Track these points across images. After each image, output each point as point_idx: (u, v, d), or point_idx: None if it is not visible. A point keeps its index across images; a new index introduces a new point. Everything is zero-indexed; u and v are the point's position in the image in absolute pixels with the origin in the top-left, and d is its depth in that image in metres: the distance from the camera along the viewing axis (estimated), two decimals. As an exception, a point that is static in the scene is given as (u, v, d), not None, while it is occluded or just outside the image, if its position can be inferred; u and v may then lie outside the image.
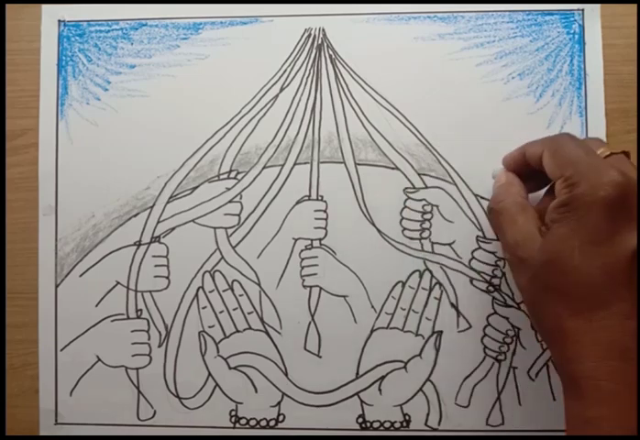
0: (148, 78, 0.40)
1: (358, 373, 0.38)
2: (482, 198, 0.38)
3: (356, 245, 0.39)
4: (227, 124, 0.39)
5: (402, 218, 0.39)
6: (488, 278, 0.38)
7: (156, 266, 0.39)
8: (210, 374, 0.39)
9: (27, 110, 0.40)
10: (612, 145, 0.38)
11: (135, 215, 0.39)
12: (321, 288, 0.39)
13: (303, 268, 0.39)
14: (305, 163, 0.39)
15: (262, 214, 0.39)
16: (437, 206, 0.38)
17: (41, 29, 0.40)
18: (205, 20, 0.39)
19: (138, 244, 0.39)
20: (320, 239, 0.39)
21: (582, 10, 0.38)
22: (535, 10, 0.39)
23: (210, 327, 0.39)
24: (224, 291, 0.39)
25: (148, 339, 0.39)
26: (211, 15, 0.39)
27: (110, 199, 0.39)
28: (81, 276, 0.39)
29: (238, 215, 0.39)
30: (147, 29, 0.40)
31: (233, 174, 0.39)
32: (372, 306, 0.38)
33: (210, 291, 0.39)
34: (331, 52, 0.39)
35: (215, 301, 0.39)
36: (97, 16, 0.40)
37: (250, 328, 0.39)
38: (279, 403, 0.38)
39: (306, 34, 0.39)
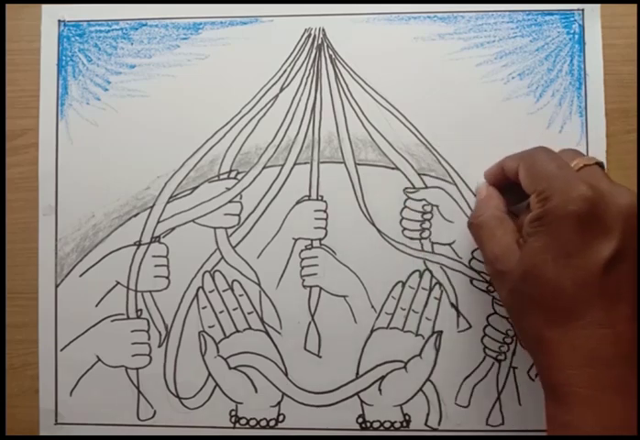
0: (148, 78, 0.40)
1: (358, 373, 0.38)
2: (482, 198, 0.38)
3: (356, 245, 0.39)
4: (227, 124, 0.39)
5: (402, 218, 0.39)
6: (488, 278, 0.38)
7: (156, 266, 0.39)
8: (210, 374, 0.39)
9: (27, 110, 0.40)
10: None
11: (135, 215, 0.39)
12: (321, 288, 0.39)
13: (303, 268, 0.39)
14: (305, 163, 0.39)
15: (262, 214, 0.39)
16: (437, 206, 0.38)
17: (41, 29, 0.40)
18: (205, 20, 0.39)
19: (138, 244, 0.39)
20: (320, 239, 0.39)
21: (582, 10, 0.38)
22: (535, 10, 0.39)
23: (210, 327, 0.39)
24: (224, 291, 0.39)
25: (149, 339, 0.39)
26: (211, 15, 0.39)
27: (110, 199, 0.39)
28: (81, 276, 0.39)
29: (238, 215, 0.39)
30: (147, 29, 0.40)
31: (233, 174, 0.39)
32: (372, 306, 0.38)
33: (210, 291, 0.39)
34: (331, 52, 0.39)
35: (215, 301, 0.39)
36: (97, 16, 0.40)
37: (250, 328, 0.39)
38: (279, 403, 0.38)
39: (306, 34, 0.39)
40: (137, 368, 0.39)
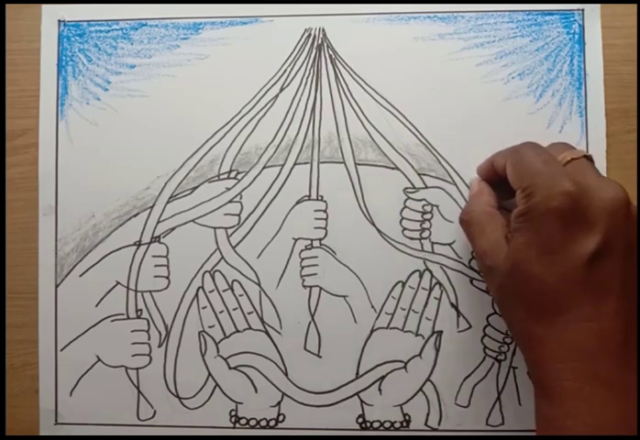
0: (148, 78, 0.40)
1: (358, 373, 0.38)
2: (482, 198, 0.38)
3: (356, 245, 0.39)
4: (227, 124, 0.39)
5: (402, 218, 0.39)
6: (488, 278, 0.38)
7: (156, 266, 0.39)
8: (210, 374, 0.39)
9: (27, 110, 0.40)
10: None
11: (135, 215, 0.39)
12: (321, 288, 0.39)
13: (303, 268, 0.39)
14: (305, 163, 0.39)
15: (262, 214, 0.39)
16: (437, 206, 0.38)
17: (41, 29, 0.40)
18: (205, 20, 0.39)
19: (138, 244, 0.39)
20: (320, 239, 0.39)
21: (582, 10, 0.38)
22: (535, 10, 0.39)
23: (210, 327, 0.39)
24: (224, 291, 0.39)
25: (149, 339, 0.39)
26: (211, 15, 0.39)
27: (110, 199, 0.39)
28: (81, 276, 0.39)
29: (238, 215, 0.39)
30: (147, 29, 0.40)
31: (233, 174, 0.39)
32: (372, 306, 0.38)
33: (210, 291, 0.39)
34: (331, 52, 0.39)
35: (215, 301, 0.39)
36: (97, 16, 0.40)
37: (250, 328, 0.39)
38: (279, 403, 0.38)
39: (306, 34, 0.39)
40: (137, 368, 0.39)
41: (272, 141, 0.39)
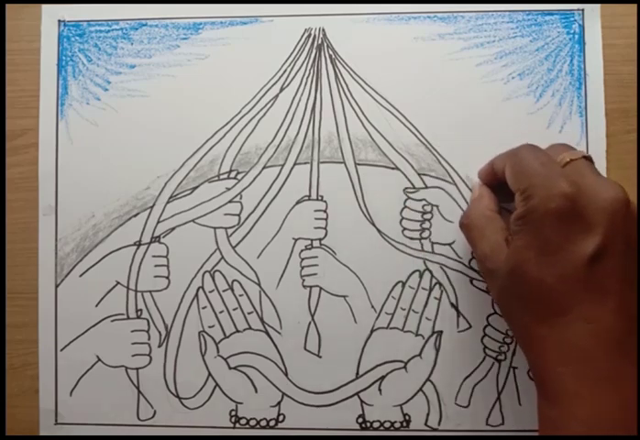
0: (148, 78, 0.40)
1: (358, 373, 0.38)
2: (482, 198, 0.38)
3: (356, 245, 0.39)
4: (227, 124, 0.39)
5: (402, 218, 0.39)
6: (488, 278, 0.38)
7: (156, 266, 0.39)
8: (210, 374, 0.39)
9: (27, 110, 0.40)
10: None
11: (135, 215, 0.39)
12: (321, 288, 0.39)
13: (303, 268, 0.39)
14: (305, 163, 0.39)
15: (262, 214, 0.39)
16: (437, 206, 0.38)
17: (41, 29, 0.40)
18: (205, 20, 0.39)
19: (138, 244, 0.39)
20: (320, 239, 0.39)
21: (582, 10, 0.38)
22: (535, 10, 0.39)
23: (210, 327, 0.39)
24: (224, 291, 0.39)
25: (149, 339, 0.39)
26: (211, 15, 0.39)
27: (110, 199, 0.39)
28: (81, 276, 0.39)
29: (238, 215, 0.39)
30: (147, 29, 0.40)
31: (233, 174, 0.39)
32: (372, 306, 0.38)
33: (210, 291, 0.39)
34: (331, 52, 0.39)
35: (215, 301, 0.39)
36: (97, 16, 0.40)
37: (250, 328, 0.39)
38: (279, 403, 0.38)
39: (306, 34, 0.39)
40: (137, 368, 0.39)
41: (272, 141, 0.39)
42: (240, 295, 0.39)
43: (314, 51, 0.39)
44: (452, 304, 0.38)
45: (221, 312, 0.39)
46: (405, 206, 0.39)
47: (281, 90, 0.39)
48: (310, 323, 0.39)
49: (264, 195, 0.39)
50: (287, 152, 0.39)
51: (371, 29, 0.39)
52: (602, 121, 0.38)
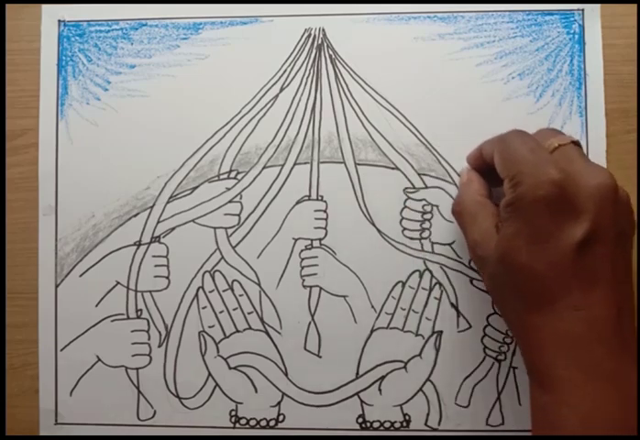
0: (148, 78, 0.40)
1: (358, 373, 0.38)
2: (482, 198, 0.38)
3: (356, 245, 0.39)
4: (227, 124, 0.39)
5: (402, 218, 0.39)
6: (488, 278, 0.38)
7: (156, 266, 0.39)
8: (210, 374, 0.39)
9: (27, 110, 0.40)
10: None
11: (135, 215, 0.39)
12: (321, 288, 0.39)
13: (303, 268, 0.39)
14: (305, 163, 0.39)
15: (262, 214, 0.39)
16: (437, 206, 0.38)
17: (41, 29, 0.40)
18: (205, 20, 0.39)
19: (138, 244, 0.39)
20: (320, 239, 0.39)
21: (582, 10, 0.38)
22: (535, 10, 0.39)
23: (210, 327, 0.39)
24: (224, 291, 0.39)
25: (149, 339, 0.39)
26: (211, 15, 0.39)
27: (110, 199, 0.39)
28: (81, 276, 0.39)
29: (238, 215, 0.39)
30: (147, 29, 0.40)
31: (233, 174, 0.39)
32: (372, 306, 0.38)
33: (210, 291, 0.39)
34: (331, 52, 0.39)
35: (215, 301, 0.39)
36: (97, 16, 0.40)
37: (250, 328, 0.39)
38: (279, 403, 0.38)
39: (306, 34, 0.39)
40: (137, 368, 0.39)
41: (272, 141, 0.39)
42: (240, 295, 0.39)
43: (314, 51, 0.39)
44: (452, 304, 0.38)
45: (221, 312, 0.39)
46: (405, 206, 0.39)
47: (281, 90, 0.39)
48: (310, 323, 0.39)
49: (264, 195, 0.39)
50: (287, 152, 0.39)
51: (371, 29, 0.39)
52: (602, 121, 0.38)
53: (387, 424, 0.38)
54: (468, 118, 0.38)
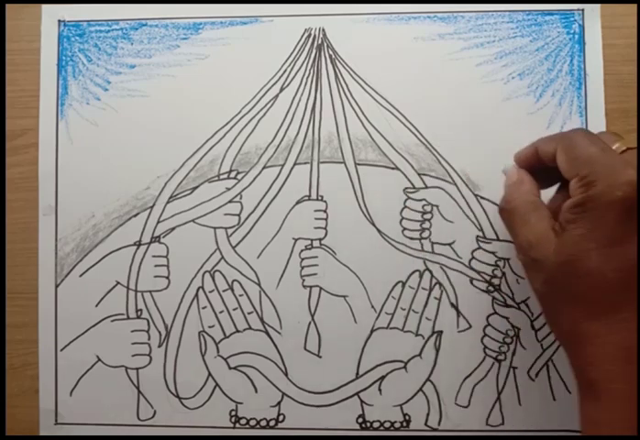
0: (148, 78, 0.40)
1: (358, 373, 0.38)
2: (482, 198, 0.38)
3: (356, 245, 0.39)
4: (227, 124, 0.39)
5: (402, 218, 0.39)
6: (488, 278, 0.38)
7: (156, 266, 0.39)
8: (210, 374, 0.39)
9: (27, 110, 0.40)
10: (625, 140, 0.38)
11: (135, 215, 0.39)
12: (321, 288, 0.39)
13: (303, 268, 0.39)
14: (305, 163, 0.39)
15: (262, 214, 0.39)
16: (437, 206, 0.38)
17: (41, 29, 0.40)
18: (205, 20, 0.39)
19: (138, 244, 0.39)
20: (320, 239, 0.39)
21: (582, 10, 0.38)
22: (535, 10, 0.39)
23: (210, 327, 0.39)
24: (224, 291, 0.39)
25: (149, 339, 0.39)
26: (211, 15, 0.39)
27: (110, 199, 0.39)
28: (81, 276, 0.39)
29: (238, 215, 0.39)
30: (147, 29, 0.40)
31: (233, 174, 0.39)
32: (372, 306, 0.38)
33: (210, 291, 0.39)
34: (331, 52, 0.39)
35: (215, 301, 0.39)
36: (97, 16, 0.40)
37: (250, 328, 0.39)
38: (279, 403, 0.38)
39: (306, 34, 0.39)
40: (137, 368, 0.39)
41: (272, 141, 0.39)
42: (240, 295, 0.39)
43: (314, 51, 0.39)
44: (452, 304, 0.38)
45: (221, 312, 0.39)
46: (405, 206, 0.39)
47: (281, 90, 0.39)
48: (310, 323, 0.39)
49: (264, 195, 0.39)
50: (287, 152, 0.39)
51: (371, 29, 0.39)
52: (602, 121, 0.38)
53: (387, 424, 0.38)
54: (468, 118, 0.38)
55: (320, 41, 0.39)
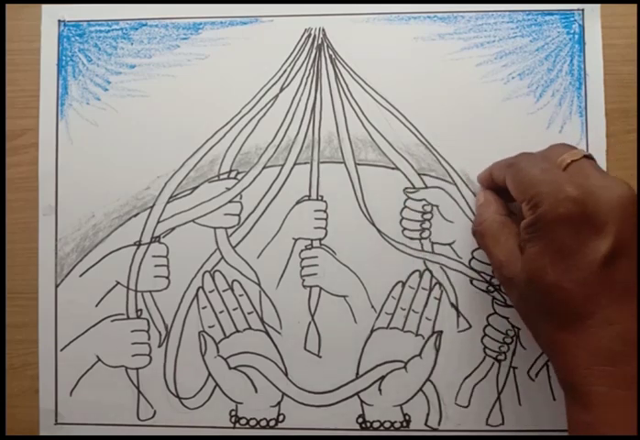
0: (148, 78, 0.40)
1: (358, 373, 0.38)
2: (482, 198, 0.38)
3: (356, 245, 0.39)
4: (227, 124, 0.39)
5: (402, 218, 0.39)
6: (488, 278, 0.38)
7: (156, 266, 0.39)
8: (210, 374, 0.39)
9: (27, 110, 0.40)
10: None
11: (135, 215, 0.39)
12: (321, 288, 0.39)
13: (303, 268, 0.39)
14: (305, 163, 0.39)
15: (262, 214, 0.39)
16: (437, 206, 0.38)
17: (41, 29, 0.40)
18: (205, 20, 0.39)
19: (138, 244, 0.39)
20: (320, 239, 0.39)
21: (582, 10, 0.38)
22: (535, 10, 0.39)
23: (210, 327, 0.39)
24: (224, 291, 0.39)
25: (149, 339, 0.39)
26: (211, 15, 0.39)
27: (110, 199, 0.39)
28: (81, 276, 0.39)
29: (238, 215, 0.39)
30: (147, 29, 0.40)
31: (233, 174, 0.39)
32: (372, 306, 0.38)
33: (210, 291, 0.39)
34: (331, 52, 0.39)
35: (215, 301, 0.39)
36: (97, 16, 0.40)
37: (250, 328, 0.39)
38: (279, 403, 0.38)
39: (306, 34, 0.39)
40: (137, 368, 0.39)
41: (272, 141, 0.39)
42: (240, 295, 0.39)
43: (314, 51, 0.39)
44: (452, 304, 0.38)
45: (221, 312, 0.39)
46: (405, 206, 0.39)
47: (281, 90, 0.39)
48: (310, 323, 0.39)
49: (264, 195, 0.39)
50: (287, 152, 0.39)
51: (371, 29, 0.39)
52: (602, 121, 0.38)
53: (387, 424, 0.38)
54: (468, 118, 0.38)
55: (320, 41, 0.39)
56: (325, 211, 0.39)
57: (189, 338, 0.39)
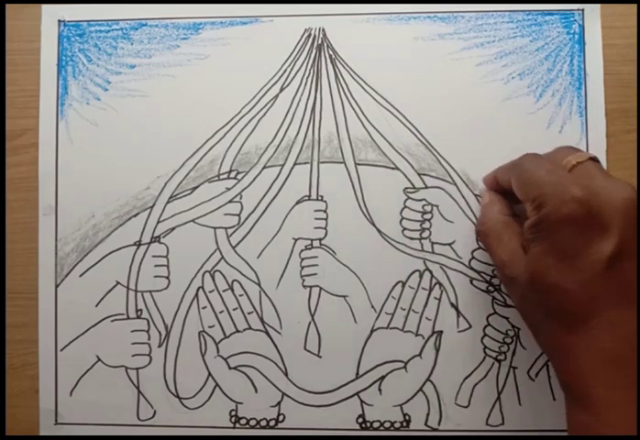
0: (148, 78, 0.40)
1: (358, 373, 0.38)
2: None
3: (356, 245, 0.39)
4: (227, 124, 0.39)
5: (402, 218, 0.39)
6: (488, 278, 0.38)
7: (156, 266, 0.39)
8: (210, 374, 0.39)
9: (27, 110, 0.40)
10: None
11: (135, 215, 0.39)
12: (321, 288, 0.39)
13: (303, 268, 0.39)
14: (305, 163, 0.39)
15: (262, 214, 0.39)
16: (437, 206, 0.38)
17: (41, 29, 0.40)
18: (205, 20, 0.39)
19: (138, 244, 0.39)
20: (320, 239, 0.39)
21: (582, 10, 0.38)
22: (535, 10, 0.39)
23: (210, 327, 0.39)
24: (224, 291, 0.39)
25: (149, 339, 0.39)
26: (211, 15, 0.39)
27: (110, 199, 0.39)
28: (81, 276, 0.39)
29: (238, 215, 0.39)
30: (147, 29, 0.40)
31: (233, 174, 0.39)
32: (372, 306, 0.38)
33: (210, 291, 0.39)
34: (331, 52, 0.39)
35: (215, 301, 0.39)
36: (97, 16, 0.40)
37: (250, 328, 0.39)
38: (279, 403, 0.38)
39: (306, 34, 0.39)
40: (137, 368, 0.39)
41: (272, 141, 0.39)
42: (240, 295, 0.39)
43: (314, 51, 0.39)
44: (452, 304, 0.38)
45: (221, 312, 0.39)
46: (405, 206, 0.39)
47: (281, 90, 0.39)
48: (310, 323, 0.39)
49: (264, 195, 0.39)
50: (287, 152, 0.39)
51: (371, 29, 0.39)
52: (602, 121, 0.38)
53: (387, 424, 0.38)
54: (468, 118, 0.38)
55: (320, 41, 0.39)
56: (325, 211, 0.39)
57: (189, 338, 0.39)
